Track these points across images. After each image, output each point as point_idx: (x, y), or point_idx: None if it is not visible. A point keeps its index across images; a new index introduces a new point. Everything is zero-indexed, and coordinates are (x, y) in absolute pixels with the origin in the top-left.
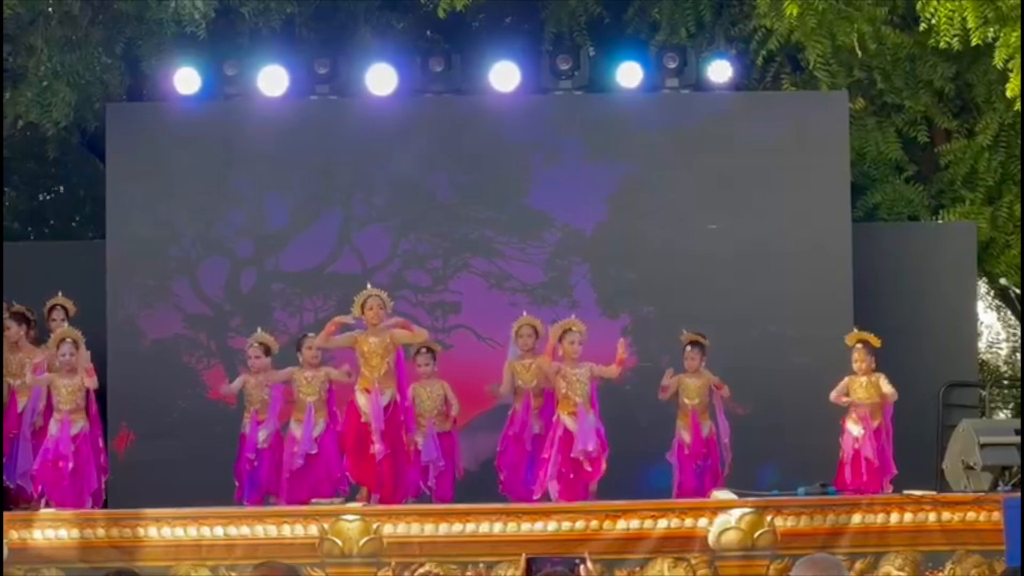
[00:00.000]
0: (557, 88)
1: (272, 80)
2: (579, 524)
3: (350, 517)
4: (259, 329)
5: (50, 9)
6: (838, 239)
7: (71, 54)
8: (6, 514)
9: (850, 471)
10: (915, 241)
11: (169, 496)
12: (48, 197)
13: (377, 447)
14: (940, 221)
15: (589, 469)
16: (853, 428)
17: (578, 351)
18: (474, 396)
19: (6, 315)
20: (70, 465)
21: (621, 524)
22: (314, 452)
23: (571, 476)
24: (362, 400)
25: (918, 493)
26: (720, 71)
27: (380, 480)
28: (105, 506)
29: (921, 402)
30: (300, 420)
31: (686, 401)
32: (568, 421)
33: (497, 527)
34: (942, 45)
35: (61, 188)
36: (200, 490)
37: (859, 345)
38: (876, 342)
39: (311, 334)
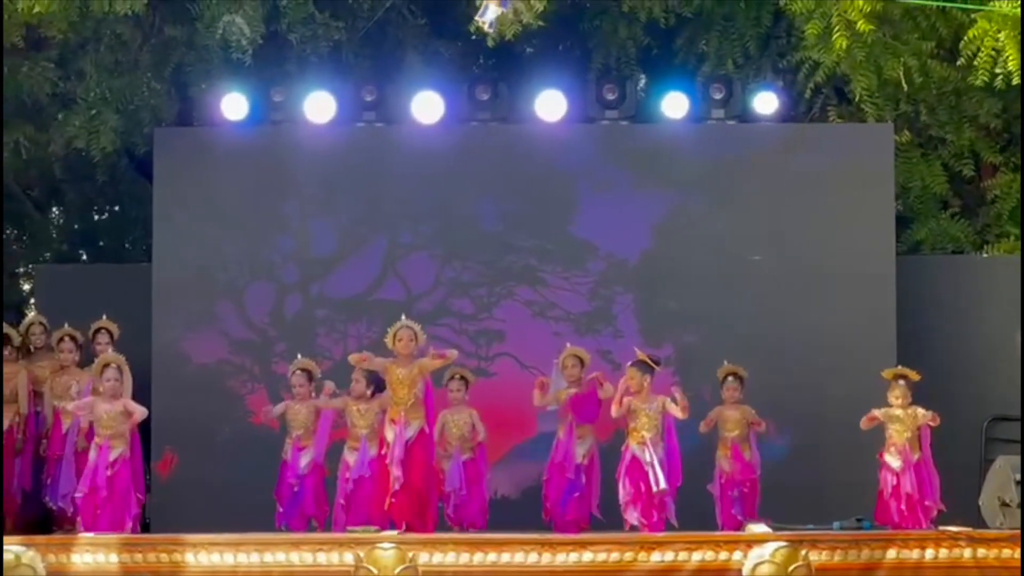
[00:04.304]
0: (603, 118)
1: (319, 106)
2: (614, 555)
3: (386, 546)
4: (299, 355)
5: (101, 35)
6: (882, 271)
7: (120, 79)
8: (47, 537)
9: (893, 505)
10: (960, 274)
11: (212, 519)
12: (101, 218)
13: (395, 475)
14: (985, 255)
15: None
16: (892, 461)
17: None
18: (516, 424)
19: (65, 337)
20: (103, 493)
21: (656, 556)
22: (367, 475)
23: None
24: (389, 434)
25: (954, 529)
26: (766, 103)
27: (400, 512)
28: (147, 529)
29: (964, 436)
30: (354, 448)
31: (725, 433)
32: (637, 451)
33: (532, 557)
34: (979, 83)
35: (116, 207)
36: (243, 514)
37: (899, 381)
38: (915, 377)
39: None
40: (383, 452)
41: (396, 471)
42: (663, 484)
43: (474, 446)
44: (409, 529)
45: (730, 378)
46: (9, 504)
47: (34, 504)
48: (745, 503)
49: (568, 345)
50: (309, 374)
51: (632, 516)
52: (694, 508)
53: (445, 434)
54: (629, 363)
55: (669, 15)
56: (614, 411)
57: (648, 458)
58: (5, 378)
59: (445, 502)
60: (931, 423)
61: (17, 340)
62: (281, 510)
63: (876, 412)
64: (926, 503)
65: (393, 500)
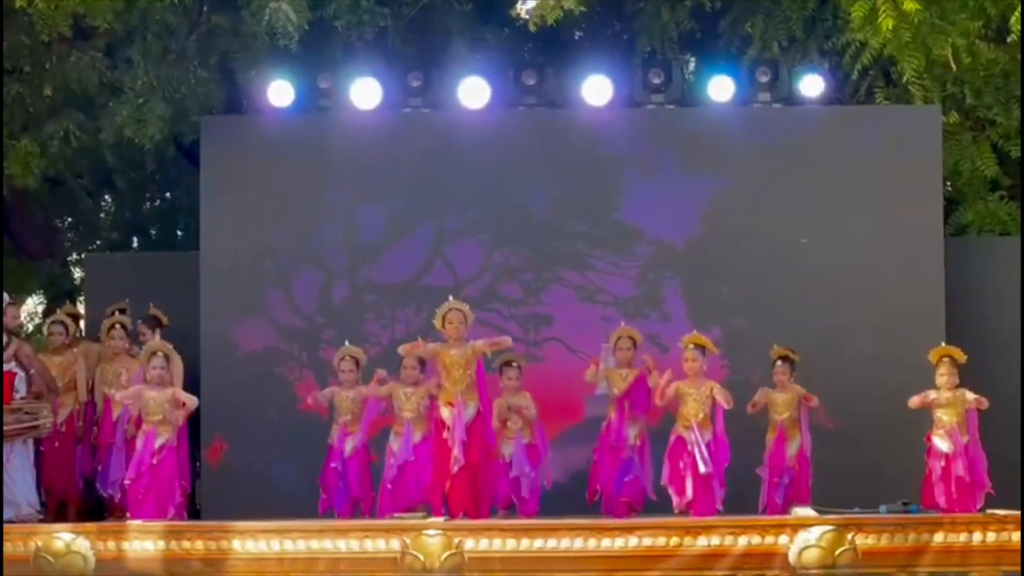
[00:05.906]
0: (649, 102)
1: (365, 93)
2: (660, 540)
3: (432, 532)
4: (347, 342)
5: (148, 24)
6: (931, 254)
7: (167, 68)
8: (97, 525)
9: (941, 489)
10: (1009, 256)
11: (261, 506)
12: (152, 206)
13: (456, 457)
14: None
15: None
16: (941, 444)
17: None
18: (565, 408)
19: (116, 325)
20: (147, 479)
21: (702, 541)
22: (412, 460)
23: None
24: (446, 413)
25: (1001, 512)
26: (812, 85)
27: (458, 493)
28: (198, 516)
29: (1012, 419)
30: (399, 433)
31: (775, 416)
32: (684, 434)
33: (578, 543)
34: None
35: (166, 195)
36: (292, 500)
37: (944, 359)
38: (961, 357)
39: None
40: (429, 436)
41: (457, 452)
42: (703, 467)
43: (532, 430)
44: (464, 513)
45: (779, 362)
46: (71, 491)
47: (92, 491)
48: (794, 488)
49: (622, 324)
50: (356, 361)
51: (676, 498)
52: (744, 492)
53: (507, 420)
54: (691, 344)
55: None
56: (657, 400)
57: (694, 440)
58: (64, 366)
59: (515, 488)
60: (978, 406)
61: (73, 328)
62: (324, 496)
63: (926, 395)
64: (976, 486)
65: (452, 483)
